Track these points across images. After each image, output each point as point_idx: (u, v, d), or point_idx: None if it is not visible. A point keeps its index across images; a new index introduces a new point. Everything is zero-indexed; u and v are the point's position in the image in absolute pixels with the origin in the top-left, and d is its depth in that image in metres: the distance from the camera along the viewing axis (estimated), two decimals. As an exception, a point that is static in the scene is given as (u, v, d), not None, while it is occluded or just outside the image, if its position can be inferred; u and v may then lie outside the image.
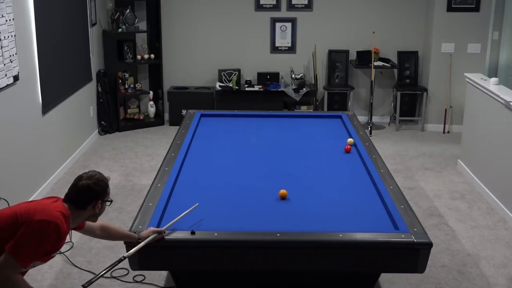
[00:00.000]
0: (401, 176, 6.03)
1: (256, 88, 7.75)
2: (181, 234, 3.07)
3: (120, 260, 2.92)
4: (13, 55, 4.79)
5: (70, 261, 4.29)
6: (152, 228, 3.04)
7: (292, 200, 3.61)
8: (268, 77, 7.80)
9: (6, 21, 4.65)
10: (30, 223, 2.56)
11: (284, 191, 3.61)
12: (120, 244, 4.36)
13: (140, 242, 2.96)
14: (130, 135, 7.40)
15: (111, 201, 2.87)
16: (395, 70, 7.92)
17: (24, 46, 5.06)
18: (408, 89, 7.79)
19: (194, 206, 3.30)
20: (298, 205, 3.55)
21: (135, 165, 6.33)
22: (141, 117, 7.85)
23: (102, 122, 7.35)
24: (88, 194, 2.74)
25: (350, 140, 4.60)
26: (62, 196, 2.82)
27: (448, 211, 5.28)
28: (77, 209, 2.75)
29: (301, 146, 4.64)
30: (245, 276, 3.42)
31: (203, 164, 4.19)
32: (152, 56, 7.75)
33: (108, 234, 3.11)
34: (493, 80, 5.60)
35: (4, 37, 4.62)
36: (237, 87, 7.70)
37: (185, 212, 3.21)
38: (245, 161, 4.27)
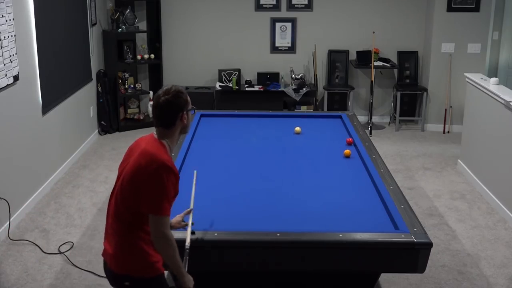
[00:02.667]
0: (401, 176, 6.03)
1: (256, 88, 7.75)
2: (181, 234, 3.07)
3: (187, 254, 2.85)
4: (13, 55, 4.79)
5: (70, 261, 4.29)
6: (179, 216, 3.02)
7: (292, 200, 3.61)
8: (268, 77, 7.80)
9: (6, 21, 4.65)
10: (146, 180, 2.53)
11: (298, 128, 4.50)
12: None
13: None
14: (130, 135, 7.40)
15: (194, 109, 2.83)
16: (395, 70, 7.92)
17: (24, 46, 5.06)
18: (408, 89, 7.79)
19: (194, 173, 3.31)
20: (298, 205, 3.55)
21: (135, 165, 6.32)
22: (141, 117, 7.85)
23: (102, 122, 7.35)
24: (172, 109, 2.67)
25: (297, 128, 4.82)
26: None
27: (448, 211, 5.28)
28: (169, 128, 2.69)
29: (301, 146, 4.64)
30: (245, 276, 3.42)
31: (203, 164, 4.19)
32: (152, 56, 7.75)
33: None
34: (493, 80, 5.60)
35: (4, 37, 4.62)
36: (237, 87, 7.70)
37: (194, 183, 3.22)
38: (245, 161, 4.27)
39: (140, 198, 2.54)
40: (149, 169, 2.54)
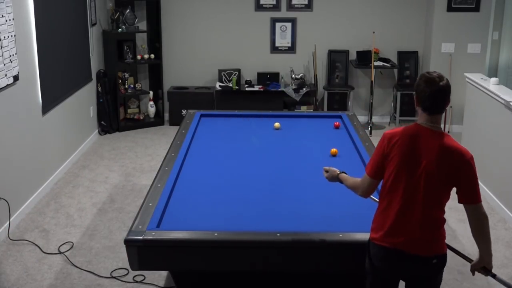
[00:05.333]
0: (401, 176, 6.01)
1: (256, 88, 7.75)
2: (181, 234, 3.07)
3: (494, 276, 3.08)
4: (13, 55, 4.79)
5: (70, 261, 4.29)
6: None
7: (292, 200, 3.61)
8: (268, 77, 7.80)
9: (6, 21, 4.65)
10: (462, 173, 2.74)
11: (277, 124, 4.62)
12: (120, 244, 4.37)
13: None
14: (130, 135, 7.40)
15: None
16: (395, 70, 7.92)
17: (24, 46, 5.06)
18: (408, 89, 7.79)
19: None
20: (298, 205, 3.55)
21: (135, 165, 6.33)
22: (141, 117, 7.85)
23: (102, 122, 7.35)
24: (449, 93, 2.71)
25: (276, 124, 4.93)
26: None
27: (448, 211, 5.24)
28: (441, 113, 2.76)
29: (301, 146, 4.63)
30: (245, 276, 3.42)
31: (203, 164, 4.19)
32: (152, 56, 7.75)
33: None
34: (493, 80, 5.60)
35: (4, 37, 4.62)
36: (237, 87, 7.70)
37: None
38: (245, 161, 4.27)
39: (459, 191, 2.77)
40: (463, 162, 2.73)
